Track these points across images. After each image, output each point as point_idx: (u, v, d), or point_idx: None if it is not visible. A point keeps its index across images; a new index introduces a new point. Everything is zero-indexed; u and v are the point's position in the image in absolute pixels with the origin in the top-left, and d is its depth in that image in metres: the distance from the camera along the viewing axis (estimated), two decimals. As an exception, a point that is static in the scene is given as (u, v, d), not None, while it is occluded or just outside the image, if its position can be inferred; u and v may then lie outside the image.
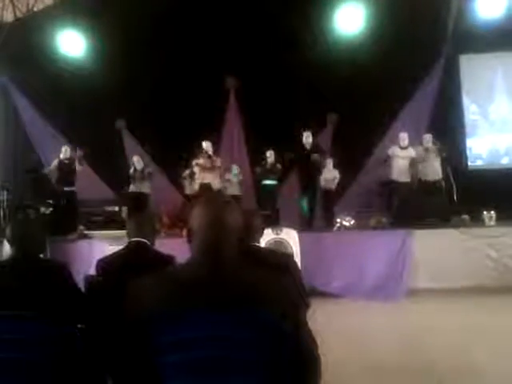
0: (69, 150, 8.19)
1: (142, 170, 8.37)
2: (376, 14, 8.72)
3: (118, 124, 10.01)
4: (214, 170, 7.98)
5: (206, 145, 8.04)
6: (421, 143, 7.93)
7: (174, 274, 1.38)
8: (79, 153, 8.01)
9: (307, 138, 7.97)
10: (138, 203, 8.09)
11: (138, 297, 1.27)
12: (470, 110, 9.99)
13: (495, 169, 9.64)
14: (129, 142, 10.10)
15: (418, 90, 9.63)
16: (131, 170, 8.38)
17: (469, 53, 9.83)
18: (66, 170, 8.06)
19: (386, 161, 8.12)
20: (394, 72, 8.68)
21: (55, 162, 8.11)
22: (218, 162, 8.09)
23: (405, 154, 7.89)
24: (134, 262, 2.43)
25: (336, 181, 8.40)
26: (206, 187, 7.78)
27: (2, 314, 1.71)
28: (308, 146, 7.96)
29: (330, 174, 8.33)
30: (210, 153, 8.03)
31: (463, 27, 9.12)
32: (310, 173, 8.02)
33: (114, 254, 2.69)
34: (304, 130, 8.02)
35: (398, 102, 9.46)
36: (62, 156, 8.11)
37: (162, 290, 1.26)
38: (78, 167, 8.08)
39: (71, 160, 8.09)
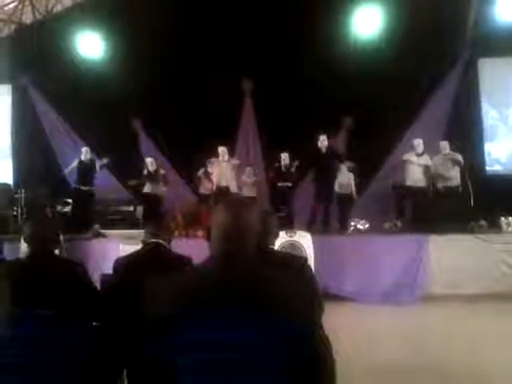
0: (89, 151, 8.22)
1: (156, 172, 8.34)
2: (393, 17, 8.67)
3: (135, 124, 10.12)
4: (231, 171, 8.15)
5: (222, 150, 8.15)
6: (438, 150, 7.83)
7: (190, 274, 1.39)
8: (105, 161, 8.17)
9: (323, 142, 7.91)
10: (154, 205, 8.14)
11: (155, 296, 1.28)
12: (489, 114, 9.84)
13: (514, 174, 9.46)
14: (145, 142, 10.20)
15: (436, 93, 9.55)
16: (145, 172, 8.37)
17: (488, 56, 9.66)
18: (86, 171, 8.08)
19: (401, 166, 8.04)
20: (411, 76, 8.61)
21: (75, 163, 8.12)
22: (233, 161, 8.21)
23: (420, 161, 7.76)
24: (152, 263, 2.45)
25: (351, 185, 8.35)
26: (223, 190, 7.85)
27: (19, 312, 1.73)
28: (324, 150, 7.91)
29: (344, 178, 8.27)
30: (226, 158, 8.16)
31: (482, 31, 9.03)
32: (326, 177, 7.98)
33: (132, 254, 2.71)
34: (319, 134, 7.98)
35: (416, 106, 9.39)
36: (82, 157, 8.11)
37: (177, 291, 1.26)
38: (98, 170, 8.18)
39: (92, 161, 8.15)
